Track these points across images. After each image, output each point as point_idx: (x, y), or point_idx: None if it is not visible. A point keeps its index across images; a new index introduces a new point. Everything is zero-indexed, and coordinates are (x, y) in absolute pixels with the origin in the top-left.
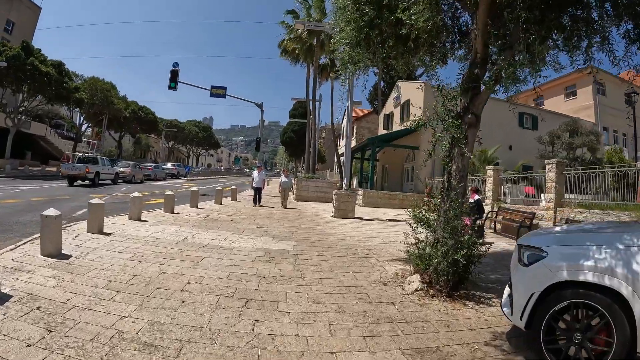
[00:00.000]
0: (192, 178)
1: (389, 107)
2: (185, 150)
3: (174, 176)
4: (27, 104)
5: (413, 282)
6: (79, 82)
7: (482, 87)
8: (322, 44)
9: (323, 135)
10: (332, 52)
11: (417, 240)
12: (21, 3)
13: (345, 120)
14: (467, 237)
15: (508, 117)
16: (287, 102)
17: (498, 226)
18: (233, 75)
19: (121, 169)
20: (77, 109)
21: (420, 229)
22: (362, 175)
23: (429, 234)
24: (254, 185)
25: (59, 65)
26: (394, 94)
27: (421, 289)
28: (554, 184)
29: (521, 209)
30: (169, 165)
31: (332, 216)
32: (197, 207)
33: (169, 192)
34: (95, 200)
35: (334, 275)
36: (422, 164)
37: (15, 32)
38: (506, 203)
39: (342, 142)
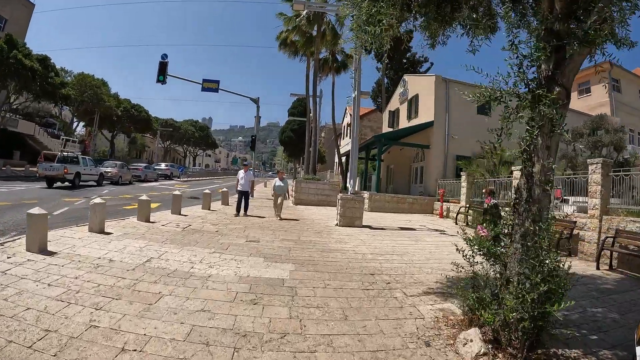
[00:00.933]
0: (186, 179)
1: (394, 103)
2: (182, 151)
3: (167, 177)
4: (13, 100)
5: (471, 340)
6: (68, 78)
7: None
8: (324, 34)
9: (323, 135)
10: (333, 45)
11: (473, 274)
12: None
13: (349, 115)
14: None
15: None
16: (287, 100)
17: None
18: (232, 74)
19: (107, 170)
20: (66, 107)
21: (478, 257)
22: (365, 176)
23: (490, 266)
24: (239, 188)
25: (44, 60)
26: (400, 89)
27: (485, 354)
28: (599, 187)
29: (555, 216)
30: (162, 165)
31: (337, 224)
32: (179, 214)
33: (144, 197)
34: (34, 210)
35: (350, 328)
36: (432, 163)
37: (8, 29)
38: None
39: (342, 142)
